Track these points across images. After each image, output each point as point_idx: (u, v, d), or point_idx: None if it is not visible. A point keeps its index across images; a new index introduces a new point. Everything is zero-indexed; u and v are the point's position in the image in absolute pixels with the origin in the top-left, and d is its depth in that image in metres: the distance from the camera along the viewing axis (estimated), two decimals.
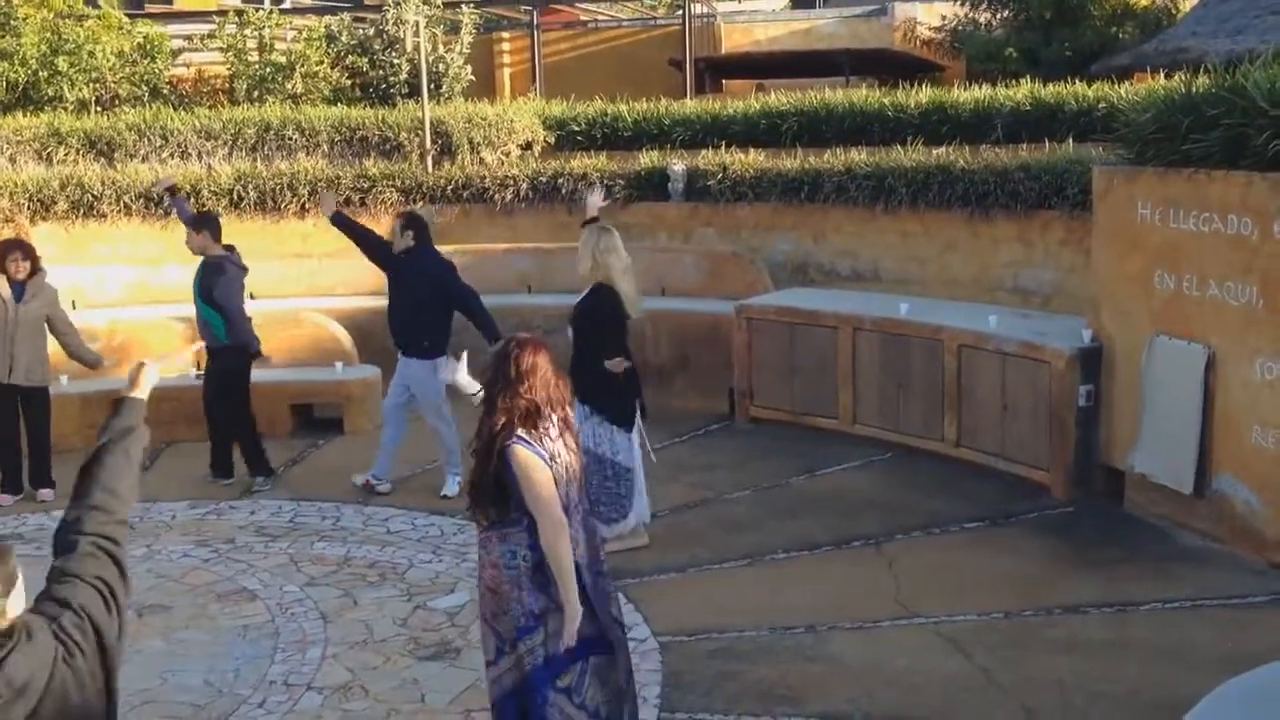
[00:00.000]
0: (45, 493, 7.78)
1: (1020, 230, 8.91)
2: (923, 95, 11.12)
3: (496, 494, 3.85)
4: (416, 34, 12.38)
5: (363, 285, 10.82)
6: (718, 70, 20.20)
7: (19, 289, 7.62)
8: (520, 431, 3.82)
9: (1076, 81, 11.01)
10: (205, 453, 8.22)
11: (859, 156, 10.12)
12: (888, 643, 5.42)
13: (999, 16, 17.58)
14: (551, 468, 3.85)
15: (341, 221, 7.81)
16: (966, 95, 10.84)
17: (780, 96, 11.97)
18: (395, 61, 15.50)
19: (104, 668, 2.26)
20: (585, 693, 3.91)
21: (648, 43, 20.76)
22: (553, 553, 3.80)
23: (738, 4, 28.83)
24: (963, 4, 17.76)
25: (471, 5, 16.85)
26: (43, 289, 7.79)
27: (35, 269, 7.73)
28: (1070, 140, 9.39)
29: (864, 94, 11.51)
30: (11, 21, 13.83)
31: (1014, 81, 11.59)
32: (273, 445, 8.31)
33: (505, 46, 20.75)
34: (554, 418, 3.92)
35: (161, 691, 5.02)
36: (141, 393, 2.77)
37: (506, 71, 20.74)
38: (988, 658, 5.21)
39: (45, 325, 7.80)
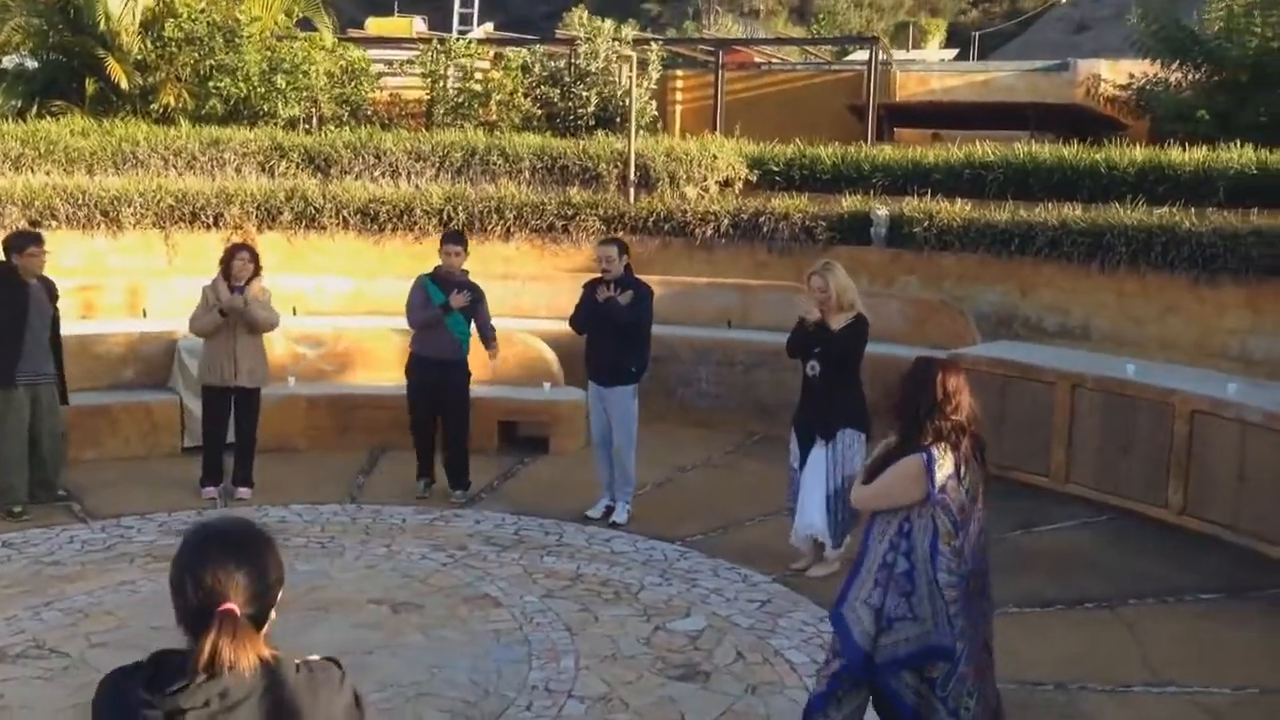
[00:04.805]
0: (243, 491, 8.00)
1: (1250, 296, 8.71)
2: (1138, 153, 10.97)
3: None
4: (631, 70, 12.68)
5: (564, 309, 11.07)
6: (894, 118, 20.17)
7: (238, 291, 7.76)
8: (938, 449, 4.07)
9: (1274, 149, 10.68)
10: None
11: (1074, 212, 10.02)
12: (1144, 708, 5.33)
13: (1190, 77, 17.20)
14: (960, 483, 4.09)
15: None
16: (1186, 156, 10.65)
17: (985, 147, 11.90)
18: (584, 94, 15.91)
19: None
20: (949, 689, 4.11)
21: (819, 87, 20.81)
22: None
23: (906, 52, 28.87)
24: (1153, 63, 17.40)
25: (660, 43, 17.22)
26: (261, 291, 7.95)
27: (257, 271, 7.98)
28: None
29: (1075, 150, 11.39)
30: (236, 39, 14.56)
31: (1204, 144, 11.27)
32: (481, 460, 8.55)
33: (679, 84, 21.04)
34: (969, 438, 4.10)
35: (432, 685, 5.22)
36: None
37: (678, 109, 21.02)
38: None
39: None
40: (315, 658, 2.33)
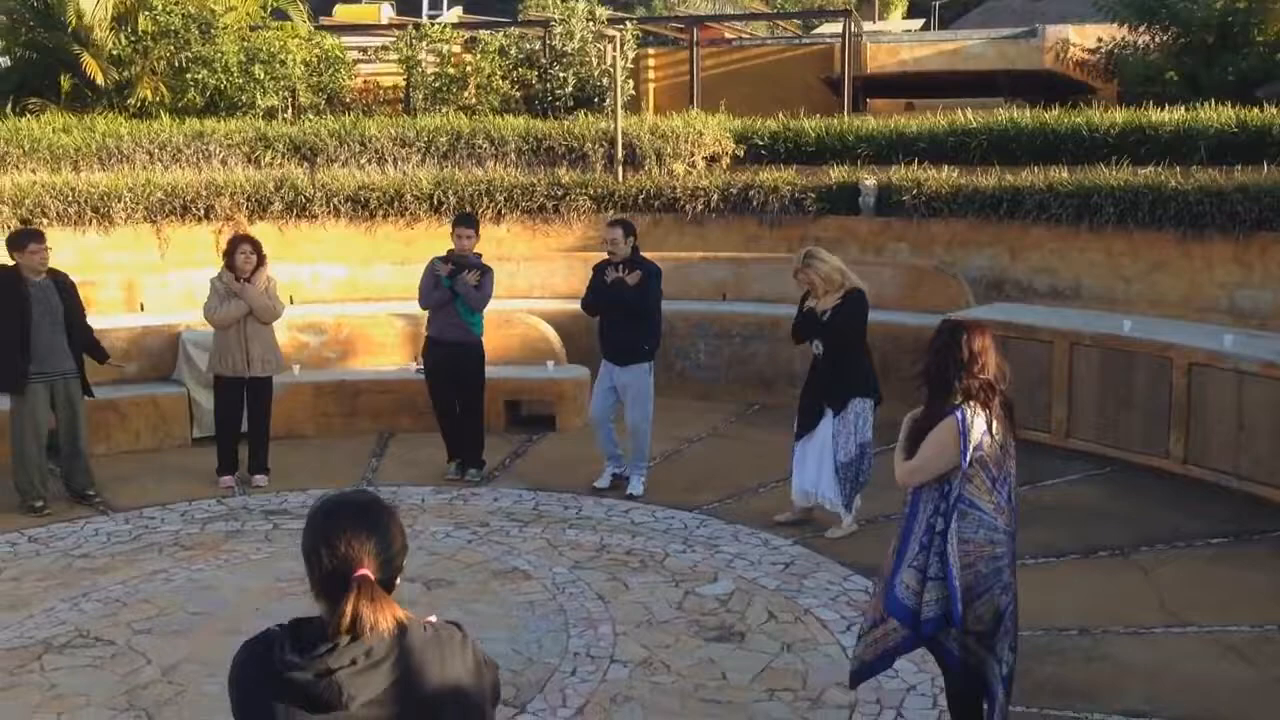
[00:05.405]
0: (259, 478, 8.06)
1: (1237, 251, 8.91)
2: (1119, 115, 11.15)
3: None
4: (616, 49, 12.72)
5: (558, 288, 11.18)
6: (867, 89, 20.29)
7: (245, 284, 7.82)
8: (968, 408, 4.10)
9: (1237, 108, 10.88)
10: (429, 443, 8.53)
11: (1060, 174, 10.19)
12: (1167, 648, 5.51)
13: (1157, 40, 17.42)
14: (994, 439, 4.14)
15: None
16: (1166, 116, 10.83)
17: (967, 114, 12.04)
18: (561, 75, 15.92)
19: None
20: (997, 643, 4.24)
21: (791, 61, 20.89)
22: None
23: (873, 24, 28.98)
24: (1120, 26, 17.60)
25: (634, 22, 17.26)
26: (267, 281, 8.01)
27: (261, 263, 8.06)
28: None
29: (1056, 114, 11.55)
30: (212, 30, 14.47)
31: (1173, 105, 11.46)
32: (489, 440, 8.58)
33: (651, 62, 21.05)
34: (998, 396, 4.16)
35: None
36: None
37: (651, 86, 21.03)
38: (1277, 668, 5.27)
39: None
40: (433, 619, 2.42)
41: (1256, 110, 10.63)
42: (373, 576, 2.24)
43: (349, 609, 2.19)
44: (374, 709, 2.20)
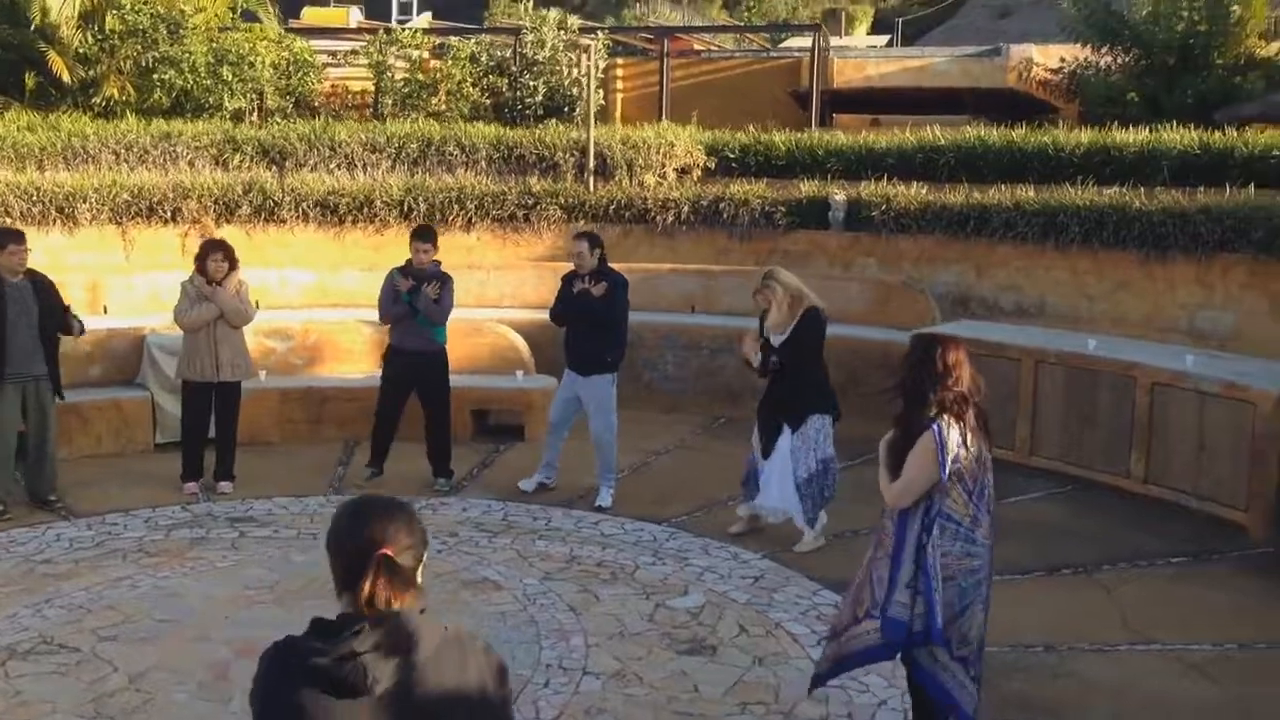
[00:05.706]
0: (225, 485, 7.98)
1: (1199, 272, 9.07)
2: (1084, 136, 11.31)
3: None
4: (590, 58, 12.74)
5: (528, 298, 11.17)
6: (833, 103, 20.45)
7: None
8: (943, 421, 4.15)
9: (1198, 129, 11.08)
10: (395, 452, 8.46)
11: (1027, 193, 10.32)
12: (1132, 665, 5.59)
13: (1119, 61, 17.69)
14: (969, 451, 4.20)
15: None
16: (1130, 137, 11.01)
17: (935, 131, 12.17)
18: (532, 84, 15.93)
19: None
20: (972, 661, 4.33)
21: (759, 74, 21.01)
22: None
23: (839, 39, 29.22)
24: (1083, 47, 17.84)
25: (606, 31, 17.30)
26: (238, 285, 7.98)
27: (232, 268, 8.02)
28: (1251, 186, 9.52)
29: (1024, 133, 11.71)
30: (181, 30, 14.35)
31: (1134, 126, 11.64)
32: (456, 450, 8.57)
33: (619, 73, 21.08)
34: (972, 409, 4.22)
35: None
36: None
37: (619, 96, 21.07)
38: (1239, 687, 5.36)
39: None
40: (448, 625, 2.42)
41: (1219, 133, 10.83)
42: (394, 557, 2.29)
43: (367, 585, 2.24)
44: (393, 701, 2.21)
